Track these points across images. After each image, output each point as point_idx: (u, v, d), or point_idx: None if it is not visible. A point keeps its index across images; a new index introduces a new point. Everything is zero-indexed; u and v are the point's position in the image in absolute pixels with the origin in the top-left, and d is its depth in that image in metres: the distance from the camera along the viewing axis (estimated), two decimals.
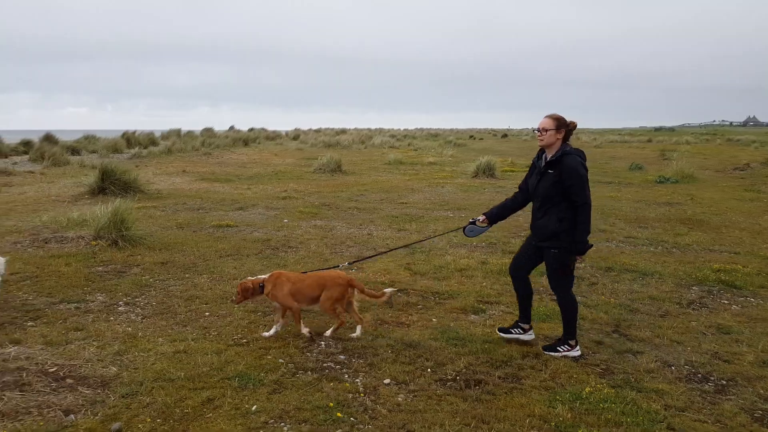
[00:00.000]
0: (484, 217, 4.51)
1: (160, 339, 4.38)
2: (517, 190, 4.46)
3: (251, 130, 48.66)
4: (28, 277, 5.93)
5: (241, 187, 14.56)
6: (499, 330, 4.50)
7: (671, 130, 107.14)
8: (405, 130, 74.96)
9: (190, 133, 41.42)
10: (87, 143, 30.41)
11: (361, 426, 3.22)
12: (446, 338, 4.49)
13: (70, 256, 6.77)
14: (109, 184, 12.26)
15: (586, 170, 4.03)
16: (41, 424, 3.10)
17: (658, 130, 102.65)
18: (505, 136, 56.94)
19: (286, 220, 9.65)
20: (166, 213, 10.15)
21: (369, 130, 66.47)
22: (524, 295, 4.42)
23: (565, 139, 4.12)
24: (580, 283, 6.11)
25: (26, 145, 27.87)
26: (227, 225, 9.05)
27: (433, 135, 58.36)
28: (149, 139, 34.18)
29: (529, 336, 4.42)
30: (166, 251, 7.19)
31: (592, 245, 4.10)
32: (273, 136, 44.60)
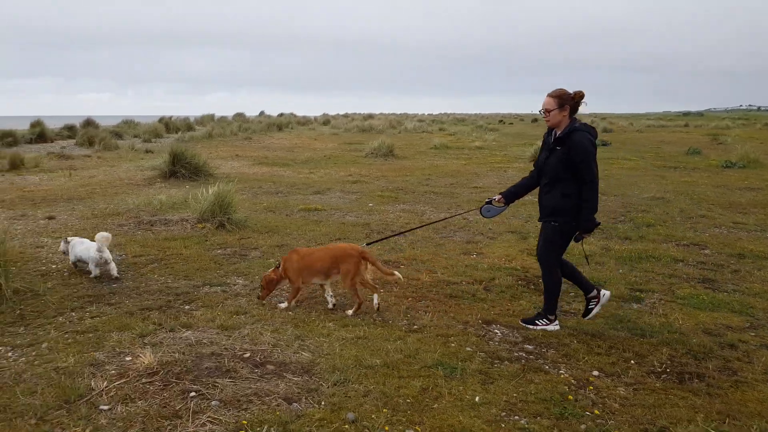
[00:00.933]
0: (500, 196, 4.44)
1: (330, 324, 4.23)
2: (533, 168, 4.36)
3: (281, 115, 48.47)
4: (155, 260, 5.84)
5: (302, 171, 14.41)
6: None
7: (699, 114, 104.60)
8: (429, 114, 74.16)
9: (223, 119, 41.46)
10: (127, 128, 30.53)
11: (602, 421, 3.02)
12: (626, 328, 4.28)
13: (184, 239, 6.66)
14: (180, 167, 12.21)
15: (595, 147, 3.93)
16: (271, 413, 2.95)
17: (686, 114, 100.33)
18: (535, 120, 55.94)
19: (371, 204, 9.46)
20: (248, 197, 10.02)
21: (396, 114, 65.93)
22: (570, 274, 4.27)
23: (573, 112, 3.99)
24: (722, 270, 5.85)
25: (70, 130, 28.11)
26: (315, 209, 8.90)
27: (460, 120, 57.68)
28: (186, 125, 34.28)
29: (604, 296, 4.25)
30: (276, 234, 7.06)
31: (599, 223, 3.98)
32: (304, 122, 44.48)
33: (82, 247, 5.22)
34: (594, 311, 4.23)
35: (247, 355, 3.61)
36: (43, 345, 3.76)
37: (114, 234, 6.49)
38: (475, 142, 23.43)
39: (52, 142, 25.07)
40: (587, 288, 4.24)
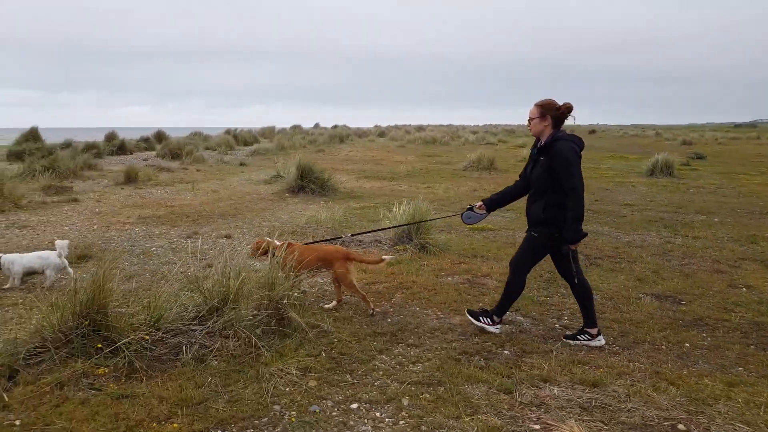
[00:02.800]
0: (481, 203, 4.45)
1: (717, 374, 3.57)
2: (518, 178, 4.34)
3: (335, 127, 48.49)
4: (396, 289, 5.28)
5: (418, 185, 13.86)
6: (564, 337, 4.20)
7: (753, 125, 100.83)
8: (475, 126, 73.35)
9: (283, 131, 41.61)
10: (199, 140, 30.71)
11: None
12: None
13: (399, 264, 6.12)
14: (307, 182, 11.83)
15: (579, 157, 3.87)
16: None
17: (737, 126, 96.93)
18: (593, 132, 54.53)
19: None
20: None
21: (443, 126, 65.37)
22: (580, 296, 4.13)
23: (558, 124, 3.97)
24: None
25: (146, 142, 28.43)
26: (483, 228, 8.29)
27: (510, 131, 56.73)
28: (252, 137, 34.40)
29: (598, 341, 4.07)
30: (491, 260, 6.44)
31: (586, 234, 3.89)
32: (360, 134, 44.26)
33: (31, 257, 5.33)
34: (579, 342, 4.07)
35: (682, 427, 2.97)
36: (390, 402, 3.21)
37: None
38: None
39: (131, 153, 25.32)
40: (592, 322, 4.10)
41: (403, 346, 4.00)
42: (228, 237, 7.55)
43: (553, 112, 3.93)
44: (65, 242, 5.45)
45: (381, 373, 3.59)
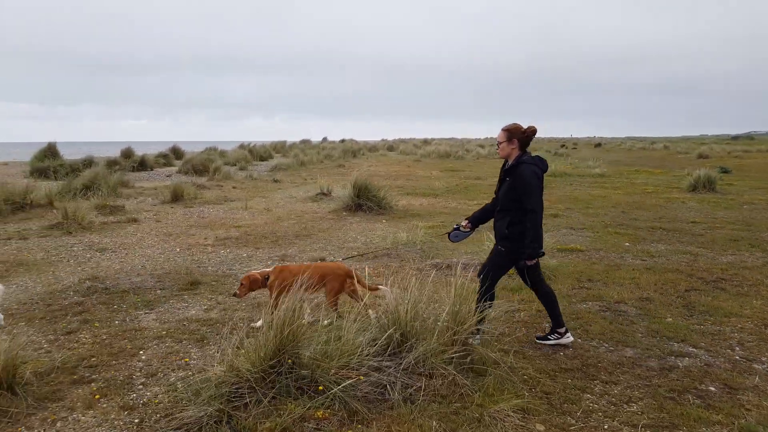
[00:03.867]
0: (467, 221, 4.68)
1: None
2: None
3: (342, 141, 48.49)
4: (543, 316, 5.14)
5: (466, 201, 13.76)
6: (536, 338, 4.60)
7: (750, 137, 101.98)
8: (477, 139, 73.57)
9: (293, 145, 41.52)
10: (216, 155, 30.51)
11: None
12: None
13: (525, 291, 5.97)
14: (365, 200, 11.69)
15: (540, 179, 4.17)
16: None
17: (735, 138, 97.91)
18: (599, 145, 54.89)
19: (627, 244, 8.64)
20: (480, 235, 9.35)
21: (446, 139, 65.52)
22: (546, 302, 4.52)
23: (524, 146, 4.26)
24: None
25: (164, 158, 28.20)
26: (574, 249, 8.17)
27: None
28: (266, 151, 34.26)
29: (567, 339, 4.49)
30: (610, 284, 6.30)
31: (543, 253, 4.22)
32: (370, 148, 44.26)
33: None
34: (550, 342, 4.48)
35: None
36: None
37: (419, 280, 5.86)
38: (596, 169, 22.56)
39: (152, 169, 25.09)
40: (559, 323, 4.48)
41: (600, 384, 3.85)
42: (322, 260, 7.38)
43: (519, 136, 4.22)
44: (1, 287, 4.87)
45: (601, 414, 3.43)
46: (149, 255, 7.76)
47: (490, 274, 4.35)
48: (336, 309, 4.81)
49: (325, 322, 4.64)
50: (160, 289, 6.02)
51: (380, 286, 4.86)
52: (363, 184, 11.84)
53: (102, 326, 4.88)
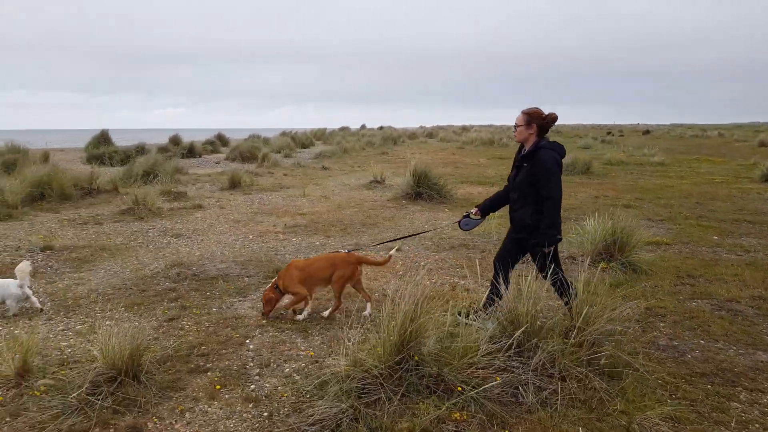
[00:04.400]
0: (476, 209, 4.58)
1: None
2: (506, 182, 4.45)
3: (381, 128, 48.24)
4: (655, 315, 4.85)
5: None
6: (457, 313, 4.25)
7: None
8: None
9: (333, 132, 41.53)
10: (259, 142, 30.74)
11: None
12: None
13: (627, 286, 5.67)
14: (425, 188, 11.47)
15: (560, 166, 3.99)
16: None
17: None
18: (647, 132, 52.98)
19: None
20: None
21: (485, 126, 64.44)
22: (496, 288, 4.21)
23: (542, 132, 4.08)
24: None
25: (212, 145, 28.59)
26: (660, 242, 7.76)
27: (557, 132, 55.53)
28: (308, 138, 34.35)
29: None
30: (714, 281, 5.92)
31: (560, 238, 4.01)
32: (411, 135, 43.86)
33: None
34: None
35: None
36: None
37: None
38: (653, 157, 21.69)
39: (200, 156, 25.43)
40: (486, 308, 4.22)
41: (744, 391, 3.56)
42: (398, 250, 7.22)
43: (538, 121, 4.05)
44: (27, 266, 4.79)
45: (758, 426, 3.16)
46: (225, 242, 7.76)
47: (547, 270, 4.05)
48: (339, 298, 4.78)
49: (325, 313, 4.75)
50: (247, 277, 5.98)
51: (390, 252, 5.07)
52: (423, 171, 11.62)
53: (201, 313, 4.84)
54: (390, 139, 37.02)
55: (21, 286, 4.69)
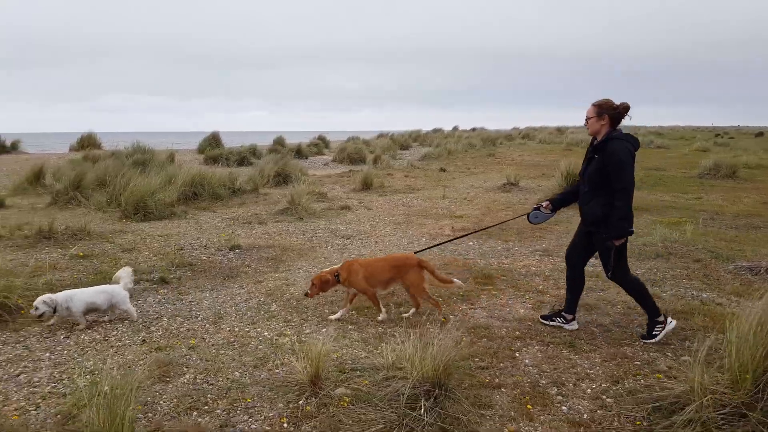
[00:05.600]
0: (548, 202, 4.48)
1: None
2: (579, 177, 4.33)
3: (474, 129, 47.38)
4: None
5: (680, 195, 12.28)
6: (541, 317, 4.50)
7: None
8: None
9: (427, 133, 41.28)
10: (359, 144, 30.97)
11: None
12: None
13: None
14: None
15: (633, 157, 3.90)
16: None
17: None
18: (760, 134, 48.40)
19: None
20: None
21: (568, 127, 61.59)
22: (575, 285, 4.36)
23: (615, 123, 4.00)
24: None
25: (316, 146, 29.21)
26: None
27: (660, 134, 52.00)
28: (405, 140, 34.28)
29: (572, 326, 4.35)
30: None
31: (631, 231, 3.90)
32: (507, 137, 42.68)
33: (92, 292, 4.52)
34: (552, 324, 4.39)
35: None
36: None
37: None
38: None
39: (307, 158, 25.97)
40: (572, 309, 4.36)
41: None
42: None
43: (610, 112, 3.96)
44: (128, 271, 4.71)
45: None
46: (400, 244, 7.54)
47: (615, 271, 4.05)
48: (430, 300, 4.62)
49: (380, 317, 4.58)
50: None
51: (454, 279, 4.70)
52: (573, 173, 10.91)
53: (445, 320, 4.55)
54: (488, 140, 36.20)
55: (127, 287, 4.67)
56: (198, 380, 3.53)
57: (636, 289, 4.13)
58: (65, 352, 4.02)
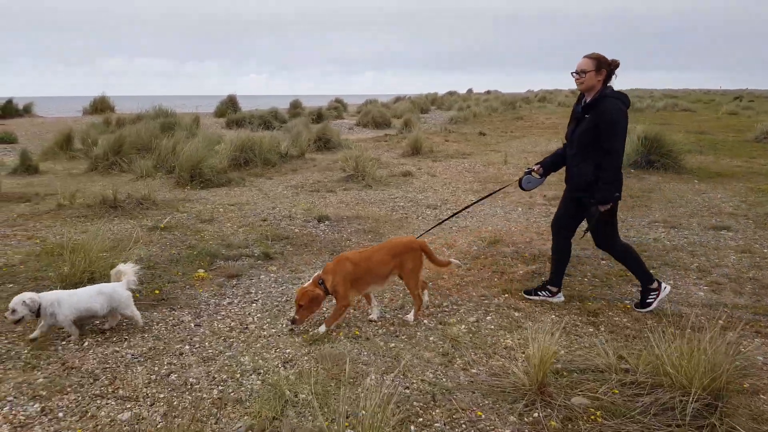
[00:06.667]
0: (539, 166, 4.11)
1: None
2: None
3: (488, 92, 46.18)
4: None
5: (754, 159, 11.63)
6: (524, 292, 4.22)
7: None
8: (648, 90, 66.82)
9: (442, 97, 40.13)
10: (377, 106, 29.97)
11: None
12: None
13: None
14: (656, 156, 10.12)
15: (627, 117, 3.62)
16: None
17: None
18: None
19: None
20: None
21: None
22: (561, 256, 4.10)
23: (606, 80, 3.71)
24: None
25: (336, 110, 28.27)
26: None
27: (674, 96, 50.83)
28: (424, 103, 33.28)
29: (558, 299, 4.11)
30: None
31: (619, 197, 3.66)
32: (526, 100, 41.55)
33: (87, 294, 3.53)
34: (535, 299, 4.11)
35: None
36: None
37: None
38: None
39: (328, 122, 25.13)
40: (557, 281, 4.12)
41: None
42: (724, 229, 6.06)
43: (606, 67, 3.69)
44: (132, 267, 3.75)
45: None
46: (497, 215, 6.94)
47: (605, 238, 3.88)
48: (418, 295, 3.84)
49: (373, 315, 3.83)
50: (603, 260, 5.08)
51: (452, 259, 4.20)
52: (654, 137, 10.23)
53: (618, 309, 4.00)
54: (507, 103, 35.18)
55: (130, 286, 3.69)
56: (388, 382, 2.98)
57: (626, 257, 3.90)
58: (207, 344, 3.47)
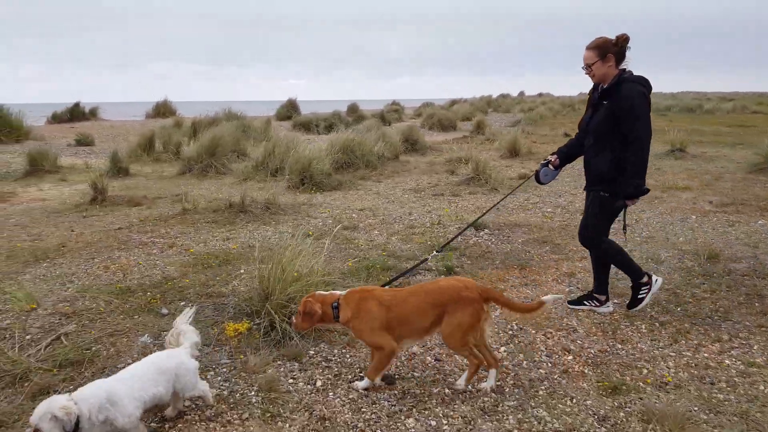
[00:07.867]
0: (555, 157, 3.81)
1: None
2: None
3: (540, 95, 44.99)
4: None
5: None
6: (568, 303, 3.83)
7: None
8: (668, 94, 64.26)
9: (493, 100, 39.30)
10: (435, 109, 29.32)
11: None
12: None
13: None
14: None
15: (649, 102, 3.32)
16: None
17: None
18: None
19: None
20: None
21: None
22: (600, 262, 3.75)
23: (620, 60, 3.39)
24: None
25: (396, 113, 27.82)
26: None
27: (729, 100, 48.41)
28: (482, 106, 32.54)
29: (606, 308, 3.75)
30: None
31: (647, 190, 3.35)
32: (584, 102, 40.30)
33: (144, 379, 2.33)
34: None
35: None
36: None
37: None
38: None
39: (390, 124, 24.61)
40: (603, 288, 3.77)
41: None
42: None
43: (612, 49, 3.37)
44: (189, 315, 2.72)
45: None
46: (652, 221, 6.14)
47: (594, 232, 3.60)
48: (472, 355, 2.74)
49: (459, 382, 2.81)
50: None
51: (543, 298, 2.85)
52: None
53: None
54: (567, 105, 34.11)
55: (194, 354, 2.62)
56: None
57: (611, 254, 3.63)
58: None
